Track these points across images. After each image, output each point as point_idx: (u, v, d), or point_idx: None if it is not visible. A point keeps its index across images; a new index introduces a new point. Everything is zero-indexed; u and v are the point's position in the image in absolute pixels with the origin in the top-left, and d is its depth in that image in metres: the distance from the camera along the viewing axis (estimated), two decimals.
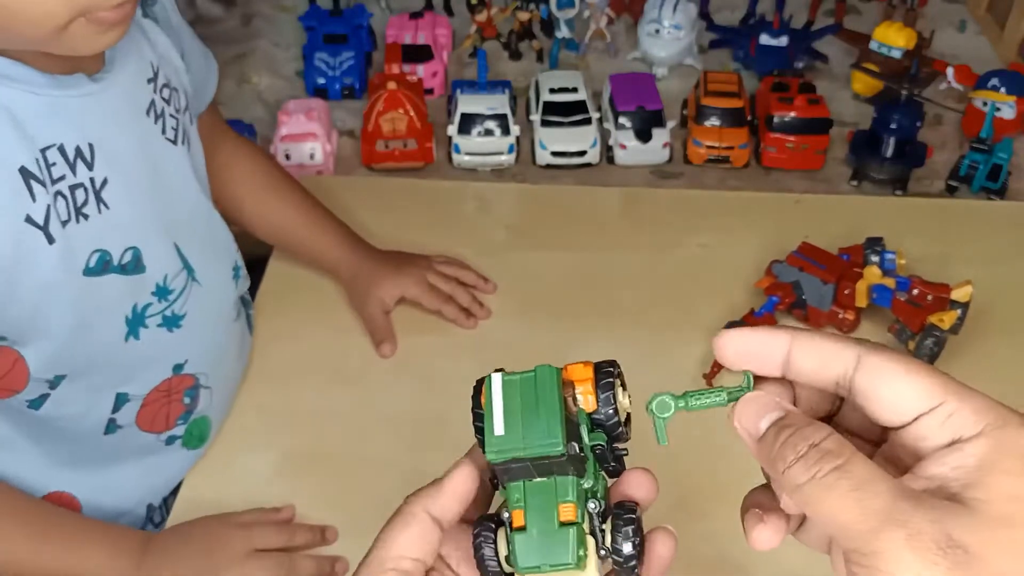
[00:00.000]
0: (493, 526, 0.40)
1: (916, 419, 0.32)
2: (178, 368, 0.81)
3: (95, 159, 0.69)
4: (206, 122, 0.89)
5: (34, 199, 0.65)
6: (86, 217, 0.69)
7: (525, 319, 0.99)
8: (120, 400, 0.78)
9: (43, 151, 0.65)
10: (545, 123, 1.25)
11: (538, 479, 0.39)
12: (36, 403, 0.74)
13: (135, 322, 0.75)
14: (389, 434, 0.88)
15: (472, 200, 1.16)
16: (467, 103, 1.23)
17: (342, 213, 1.03)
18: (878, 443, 0.36)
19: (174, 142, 0.77)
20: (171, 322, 0.78)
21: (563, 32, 1.44)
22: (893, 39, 1.33)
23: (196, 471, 0.85)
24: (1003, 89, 1.27)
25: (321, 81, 1.36)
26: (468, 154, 1.23)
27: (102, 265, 0.71)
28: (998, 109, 1.25)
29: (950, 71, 1.37)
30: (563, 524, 0.39)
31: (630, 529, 0.39)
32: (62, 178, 0.67)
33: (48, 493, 0.80)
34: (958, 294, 0.91)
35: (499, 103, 1.23)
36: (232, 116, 1.32)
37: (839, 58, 1.44)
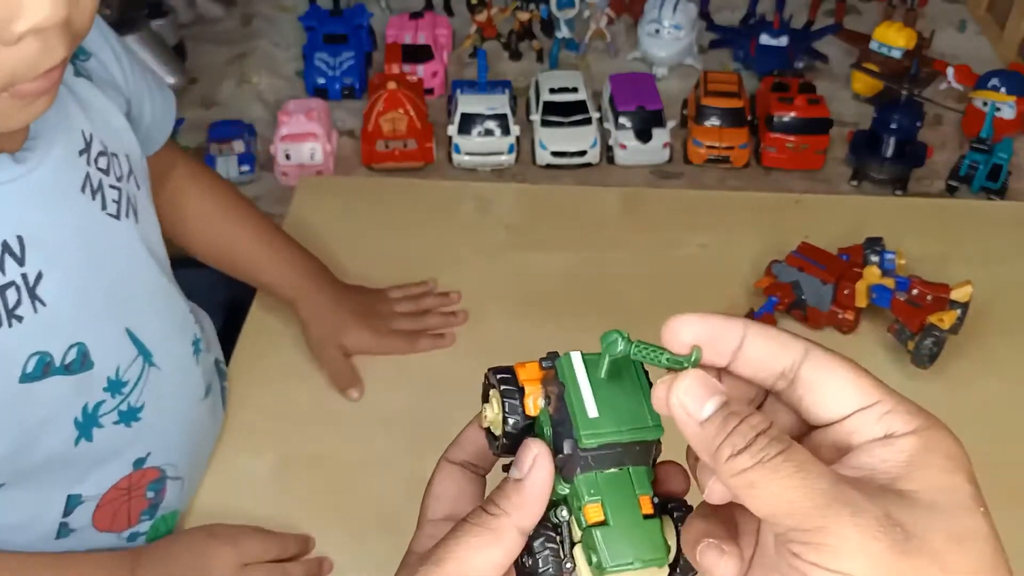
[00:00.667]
0: (550, 531, 0.36)
1: (852, 414, 0.33)
2: (139, 463, 0.74)
3: (26, 253, 0.61)
4: (159, 154, 0.82)
5: None
6: (20, 319, 0.61)
7: (525, 319, 0.98)
8: (72, 502, 0.71)
9: None
10: (545, 123, 1.25)
11: (609, 470, 0.36)
12: None
13: (87, 423, 0.68)
14: (388, 436, 0.88)
15: (472, 200, 1.16)
16: (467, 103, 1.23)
17: (342, 213, 1.03)
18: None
19: (116, 216, 0.69)
20: (129, 416, 0.71)
21: (563, 32, 1.44)
22: (893, 39, 1.33)
23: (195, 471, 0.85)
24: (1003, 89, 1.27)
25: (321, 81, 1.37)
26: (468, 154, 1.23)
27: (42, 368, 0.63)
28: (998, 109, 1.25)
29: (950, 71, 1.37)
30: (645, 517, 0.36)
31: None
32: None
33: None
34: (958, 294, 0.91)
35: (499, 103, 1.23)
36: (232, 116, 1.32)
37: (839, 58, 1.44)
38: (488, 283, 1.03)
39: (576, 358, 0.37)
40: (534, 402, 0.37)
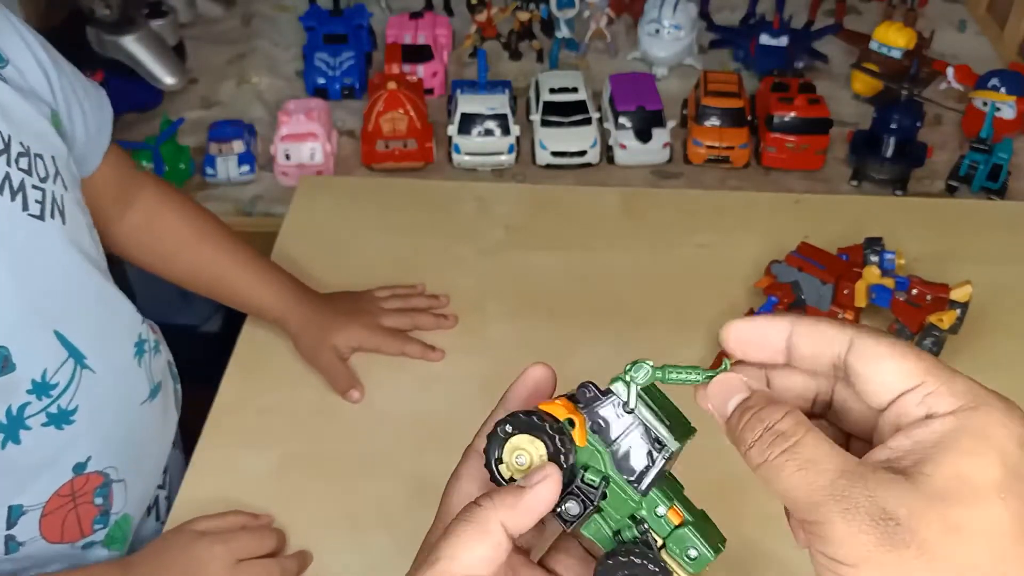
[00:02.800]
0: (644, 551, 0.38)
1: (899, 397, 0.34)
2: (80, 467, 0.73)
3: None
4: (111, 176, 0.82)
5: None
6: None
7: (525, 319, 0.98)
8: (14, 513, 0.70)
9: None
10: (545, 123, 1.25)
11: (664, 477, 0.39)
12: None
13: (12, 426, 0.67)
14: (388, 434, 0.88)
15: (472, 200, 1.16)
16: (467, 103, 1.23)
17: (342, 213, 1.03)
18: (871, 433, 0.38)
19: (40, 217, 0.68)
20: (60, 419, 0.70)
21: (563, 32, 1.44)
22: (893, 39, 1.34)
23: (196, 470, 0.85)
24: (1003, 89, 1.27)
25: (321, 81, 1.37)
26: (468, 154, 1.23)
27: None
28: (998, 109, 1.25)
29: (950, 71, 1.37)
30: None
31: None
32: None
33: None
34: (957, 294, 0.91)
35: (499, 103, 1.23)
36: (232, 116, 1.33)
37: (839, 58, 1.45)
38: (488, 283, 1.03)
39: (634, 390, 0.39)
40: (581, 434, 0.39)
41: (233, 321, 0.99)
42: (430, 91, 1.36)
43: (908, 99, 1.22)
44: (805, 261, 0.95)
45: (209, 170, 1.23)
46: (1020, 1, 1.43)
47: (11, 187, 0.65)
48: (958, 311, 0.90)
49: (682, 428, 0.39)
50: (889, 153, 1.19)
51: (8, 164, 0.65)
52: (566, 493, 0.38)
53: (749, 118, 1.26)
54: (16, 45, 0.71)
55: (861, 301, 0.94)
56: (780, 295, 0.95)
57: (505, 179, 1.23)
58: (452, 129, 1.23)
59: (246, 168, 1.24)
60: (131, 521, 0.79)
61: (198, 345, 0.96)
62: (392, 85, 1.23)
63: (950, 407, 0.33)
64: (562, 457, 0.38)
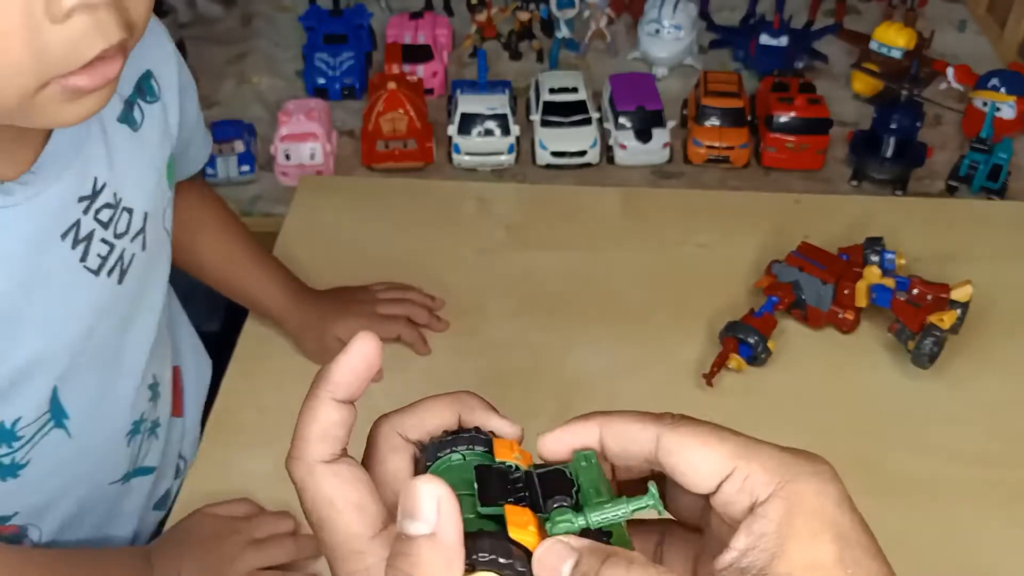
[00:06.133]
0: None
1: (719, 486, 0.32)
2: (2, 520, 0.71)
3: None
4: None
5: None
6: None
7: (525, 319, 0.98)
8: None
9: None
10: (545, 123, 1.25)
11: None
12: None
13: None
14: None
15: (472, 200, 1.16)
16: (467, 103, 1.23)
17: (342, 213, 1.03)
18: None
19: (95, 271, 0.66)
20: (6, 471, 0.67)
21: (563, 32, 1.44)
22: (893, 39, 1.34)
23: (196, 471, 0.85)
24: (1003, 89, 1.27)
25: (321, 81, 1.37)
26: (468, 154, 1.23)
27: None
28: (998, 109, 1.25)
29: (950, 71, 1.37)
30: None
31: None
32: None
33: None
34: (958, 294, 0.91)
35: (499, 103, 1.23)
36: (232, 116, 1.33)
37: (839, 58, 1.45)
38: (488, 283, 1.03)
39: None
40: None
41: (233, 321, 0.99)
42: (430, 91, 1.36)
43: (908, 99, 1.22)
44: (806, 261, 0.95)
45: (209, 170, 1.23)
46: (1020, 1, 1.43)
47: (77, 235, 0.64)
48: (958, 311, 0.90)
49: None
50: (889, 153, 1.19)
51: (85, 212, 0.64)
52: None
53: (749, 118, 1.26)
54: (169, 77, 0.70)
55: (862, 301, 0.94)
56: (780, 295, 0.95)
57: (505, 179, 1.23)
58: (452, 129, 1.23)
59: (246, 168, 1.24)
60: None
61: None
62: (392, 85, 1.23)
63: (769, 488, 0.31)
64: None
